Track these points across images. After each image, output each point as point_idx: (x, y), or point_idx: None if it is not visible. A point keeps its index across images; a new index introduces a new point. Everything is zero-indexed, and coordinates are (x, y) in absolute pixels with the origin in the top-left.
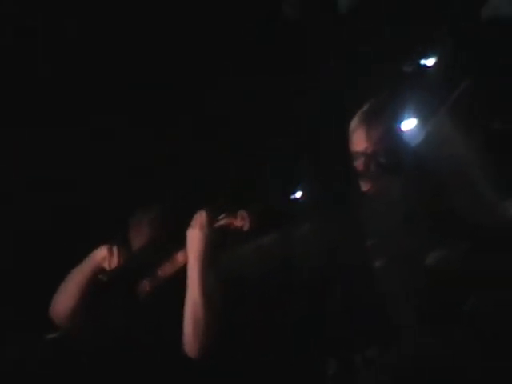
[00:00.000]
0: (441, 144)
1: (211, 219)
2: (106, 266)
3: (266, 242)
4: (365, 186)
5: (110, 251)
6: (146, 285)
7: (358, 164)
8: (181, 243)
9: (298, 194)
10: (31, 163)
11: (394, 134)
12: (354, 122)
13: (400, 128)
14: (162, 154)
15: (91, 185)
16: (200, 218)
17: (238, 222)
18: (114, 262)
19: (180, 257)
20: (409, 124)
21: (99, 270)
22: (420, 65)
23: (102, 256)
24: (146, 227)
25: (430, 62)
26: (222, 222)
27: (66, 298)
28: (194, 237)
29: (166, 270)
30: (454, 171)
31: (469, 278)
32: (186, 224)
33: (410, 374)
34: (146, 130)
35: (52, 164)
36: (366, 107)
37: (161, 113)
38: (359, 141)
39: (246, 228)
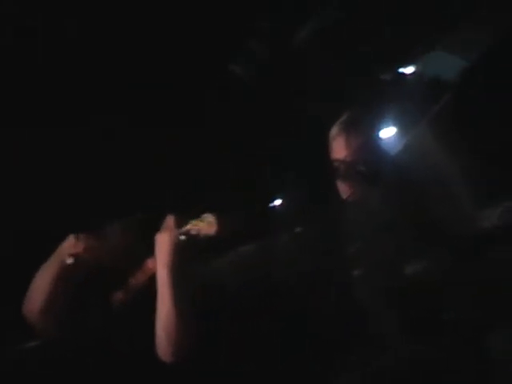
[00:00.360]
0: (421, 155)
1: (179, 224)
2: (72, 252)
3: (246, 250)
4: (345, 194)
5: (77, 239)
6: (119, 294)
7: (338, 172)
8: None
9: (278, 202)
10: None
11: (373, 142)
12: (334, 130)
13: (379, 136)
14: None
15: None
16: (168, 222)
17: (205, 228)
18: (80, 246)
19: (150, 263)
20: (388, 132)
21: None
22: (399, 73)
23: (69, 245)
24: (119, 233)
25: (408, 70)
26: (188, 227)
27: (36, 294)
28: (162, 241)
29: (138, 277)
30: (434, 181)
31: (449, 287)
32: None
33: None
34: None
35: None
36: (345, 115)
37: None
38: (339, 149)
39: (212, 233)
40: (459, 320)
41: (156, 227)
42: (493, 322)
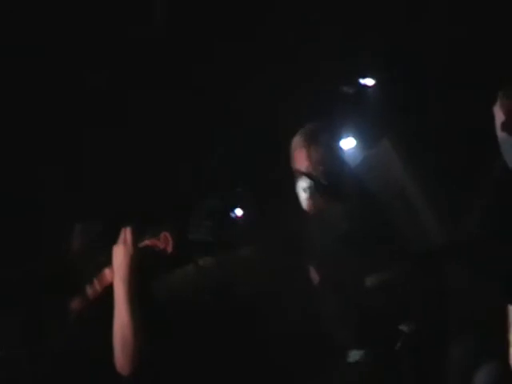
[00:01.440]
0: (381, 166)
1: (136, 237)
2: None
3: (206, 263)
4: (306, 206)
5: None
6: (76, 303)
7: (299, 183)
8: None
9: (239, 213)
10: None
11: (334, 154)
12: (296, 142)
13: (340, 148)
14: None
15: None
16: (125, 234)
17: (161, 244)
18: None
19: (108, 274)
20: (348, 144)
21: None
22: (360, 85)
23: None
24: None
25: (369, 82)
26: (146, 242)
27: None
28: (118, 253)
29: (95, 287)
30: (394, 193)
31: (408, 299)
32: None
33: None
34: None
35: None
36: (307, 127)
37: None
38: (300, 160)
39: (168, 250)
40: (419, 332)
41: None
42: (451, 333)
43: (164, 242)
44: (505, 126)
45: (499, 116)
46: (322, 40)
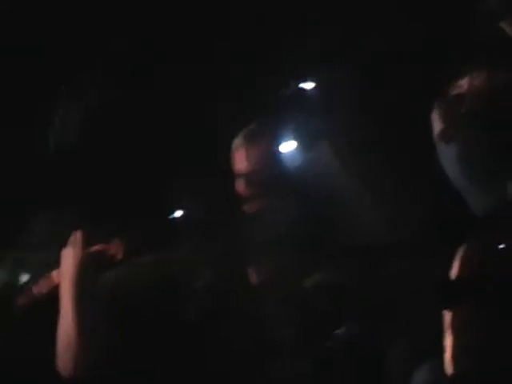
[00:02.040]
0: (321, 169)
1: (86, 241)
2: None
3: (144, 262)
4: (246, 206)
5: None
6: (19, 301)
7: (239, 184)
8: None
9: (178, 214)
10: None
11: (273, 155)
12: (236, 142)
13: (280, 150)
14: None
15: None
16: (74, 238)
17: (111, 250)
18: None
19: (55, 276)
20: (289, 146)
21: None
22: (299, 88)
23: None
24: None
25: (308, 85)
26: (97, 247)
27: None
28: (67, 256)
29: (40, 287)
30: (335, 195)
31: (350, 299)
32: None
33: None
34: None
35: None
36: (247, 128)
37: None
38: (240, 160)
39: (119, 257)
40: (359, 333)
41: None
42: (392, 335)
43: (115, 248)
44: (442, 135)
45: (437, 124)
46: (261, 42)
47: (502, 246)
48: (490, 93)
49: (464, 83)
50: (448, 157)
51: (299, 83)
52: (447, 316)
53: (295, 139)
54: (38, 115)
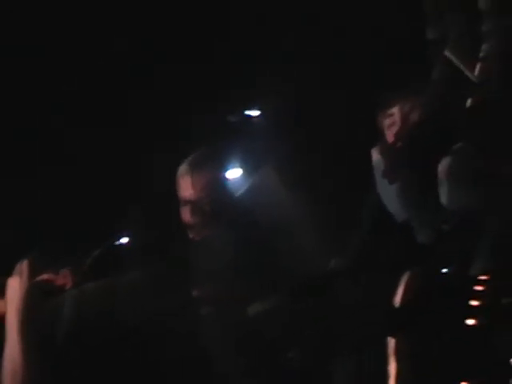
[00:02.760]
0: (266, 196)
1: (33, 270)
2: None
3: (90, 289)
4: (192, 233)
5: None
6: None
7: (185, 210)
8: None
9: (125, 240)
10: None
11: (218, 182)
12: (182, 169)
13: (225, 177)
14: None
15: None
16: (21, 267)
17: (60, 280)
18: None
19: (1, 305)
20: (234, 173)
21: None
22: (245, 115)
23: None
24: None
25: (254, 112)
26: (45, 277)
27: None
28: (13, 286)
29: None
30: (279, 222)
31: (291, 327)
32: None
33: None
34: None
35: None
36: (193, 155)
37: None
38: (186, 187)
39: (67, 287)
40: (304, 358)
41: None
42: (339, 359)
43: (63, 278)
44: (386, 175)
45: (376, 158)
46: (206, 69)
47: (443, 271)
48: (419, 121)
49: (395, 111)
50: (388, 192)
51: (245, 110)
52: (391, 342)
53: (240, 166)
54: None
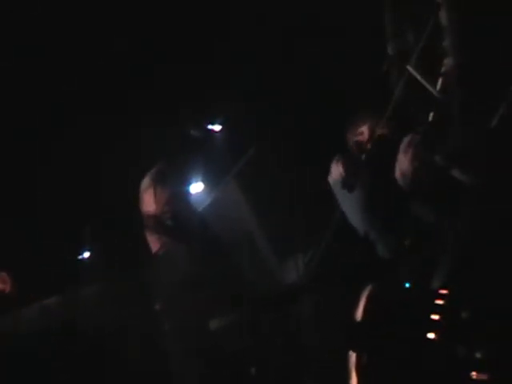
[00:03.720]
0: (228, 210)
1: None
2: None
3: (50, 302)
4: (154, 247)
5: None
6: None
7: (148, 225)
8: None
9: (86, 254)
10: None
11: (181, 196)
12: (144, 184)
13: (187, 191)
14: None
15: None
16: None
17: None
18: None
19: None
20: (196, 188)
21: None
22: (207, 130)
23: None
24: None
25: (217, 127)
26: None
27: None
28: None
29: None
30: (241, 236)
31: (254, 341)
32: None
33: None
34: None
35: None
36: (154, 169)
37: None
38: (148, 202)
39: (7, 291)
40: (268, 373)
41: None
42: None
43: (2, 283)
44: (344, 184)
45: (336, 173)
46: (171, 84)
47: (406, 286)
48: (382, 136)
49: (364, 130)
50: (349, 205)
51: (207, 125)
52: (352, 357)
53: (203, 180)
54: None
